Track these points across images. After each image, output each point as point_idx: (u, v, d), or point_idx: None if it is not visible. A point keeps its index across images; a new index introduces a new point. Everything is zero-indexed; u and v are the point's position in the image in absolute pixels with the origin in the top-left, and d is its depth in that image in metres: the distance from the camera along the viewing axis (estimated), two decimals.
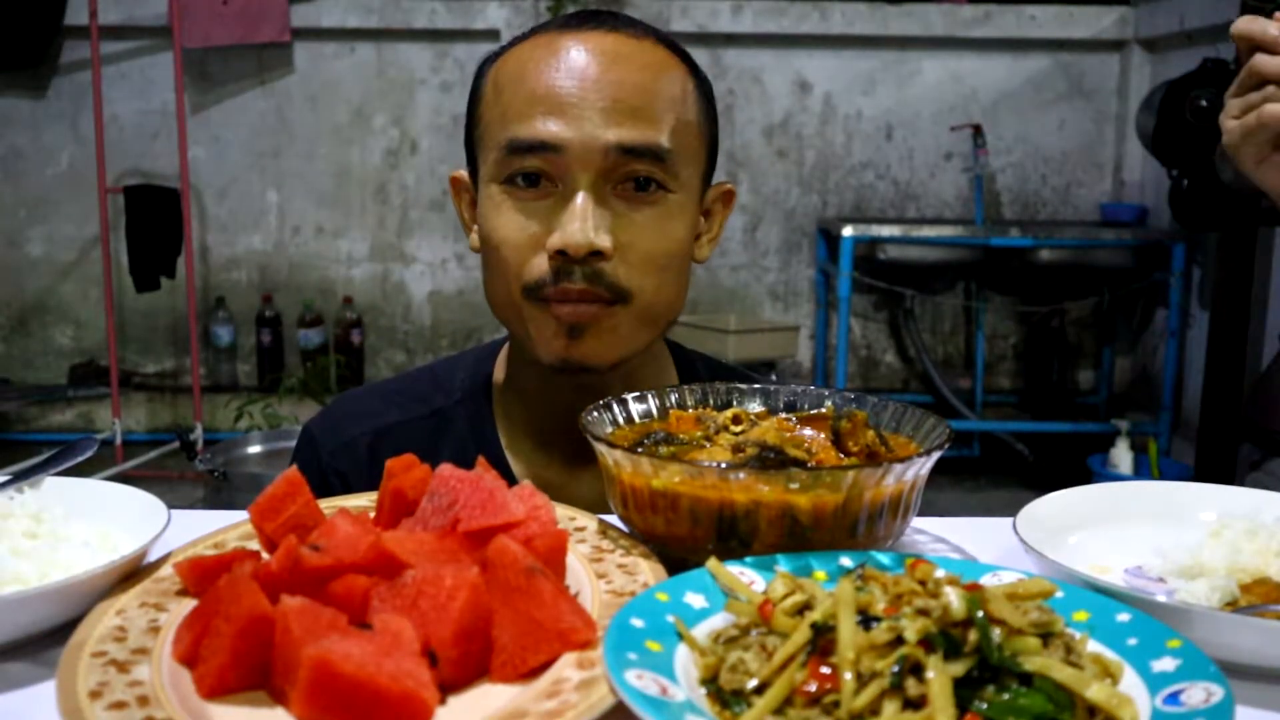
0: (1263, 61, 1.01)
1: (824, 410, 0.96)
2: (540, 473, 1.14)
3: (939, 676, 0.55)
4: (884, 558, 0.74)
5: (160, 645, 0.66)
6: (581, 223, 0.99)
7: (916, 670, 0.56)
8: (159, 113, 5.01)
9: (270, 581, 0.66)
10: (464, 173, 1.15)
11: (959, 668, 0.56)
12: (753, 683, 0.59)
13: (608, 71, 1.01)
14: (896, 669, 0.56)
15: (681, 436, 0.90)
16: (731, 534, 0.77)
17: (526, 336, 1.06)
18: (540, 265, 1.02)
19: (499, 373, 1.20)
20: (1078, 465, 4.61)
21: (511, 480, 1.13)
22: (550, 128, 1.00)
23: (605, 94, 1.00)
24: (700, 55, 1.21)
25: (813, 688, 0.57)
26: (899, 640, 0.57)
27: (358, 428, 1.17)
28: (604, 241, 0.99)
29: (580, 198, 1.00)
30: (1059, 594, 0.68)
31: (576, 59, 1.02)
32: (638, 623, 0.64)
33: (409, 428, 1.16)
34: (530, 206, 1.02)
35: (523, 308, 1.04)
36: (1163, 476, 4.29)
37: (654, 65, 1.05)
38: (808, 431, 0.92)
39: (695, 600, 0.68)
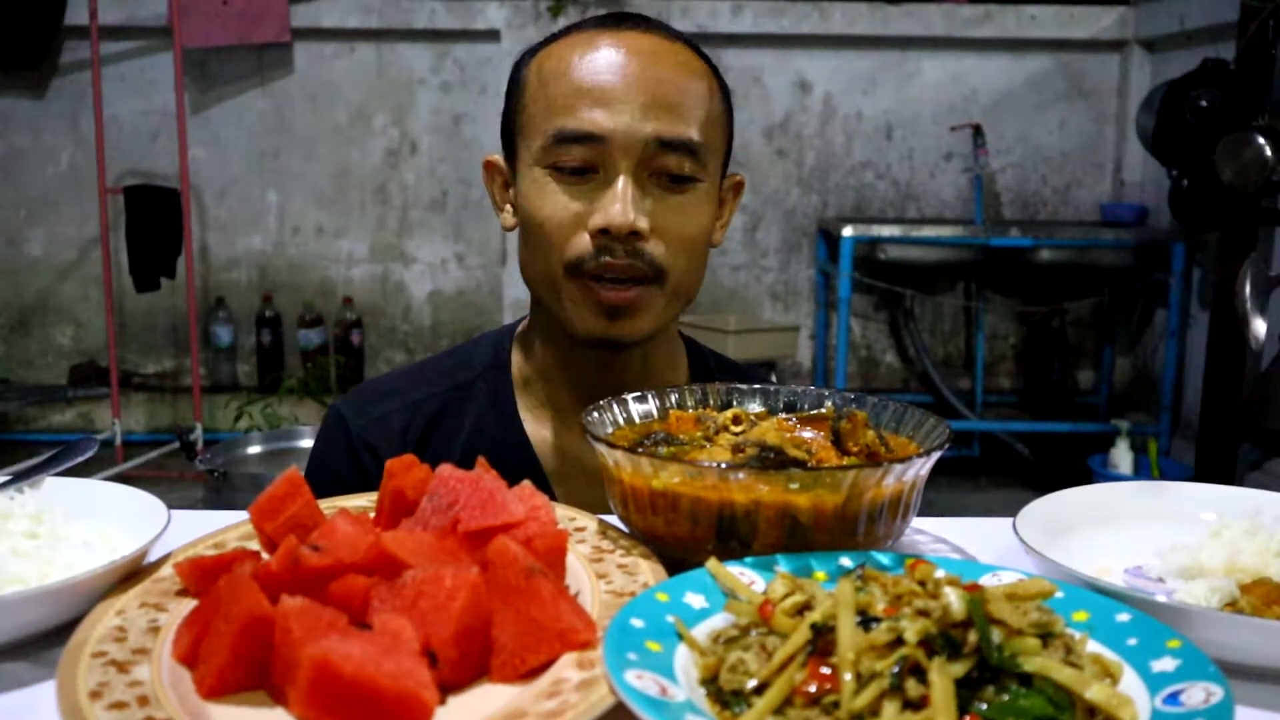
0: None
1: (824, 410, 0.96)
2: (558, 442, 1.21)
3: (939, 677, 0.55)
4: (884, 558, 0.74)
5: (160, 645, 0.66)
6: (623, 204, 1.07)
7: (916, 671, 0.56)
8: (159, 113, 5.01)
9: (270, 581, 0.66)
10: (498, 156, 1.21)
11: (959, 668, 0.56)
12: (753, 683, 0.59)
13: (646, 69, 1.10)
14: (896, 670, 0.56)
15: (681, 437, 0.90)
16: (731, 534, 0.77)
17: (563, 312, 1.13)
18: (582, 243, 1.09)
19: (517, 349, 1.26)
20: (1078, 465, 4.61)
21: (529, 448, 1.19)
22: (595, 119, 1.08)
23: (645, 90, 1.09)
24: None
25: (813, 688, 0.57)
26: (899, 641, 0.57)
27: (388, 404, 1.23)
28: (643, 223, 1.07)
29: (621, 182, 1.08)
30: (1059, 594, 0.68)
31: (616, 56, 1.10)
32: (638, 623, 0.64)
33: (435, 401, 1.22)
34: (573, 189, 1.10)
35: (562, 285, 1.11)
36: (1163, 476, 4.29)
37: (685, 65, 1.13)
38: (808, 432, 0.92)
39: (695, 600, 0.68)
